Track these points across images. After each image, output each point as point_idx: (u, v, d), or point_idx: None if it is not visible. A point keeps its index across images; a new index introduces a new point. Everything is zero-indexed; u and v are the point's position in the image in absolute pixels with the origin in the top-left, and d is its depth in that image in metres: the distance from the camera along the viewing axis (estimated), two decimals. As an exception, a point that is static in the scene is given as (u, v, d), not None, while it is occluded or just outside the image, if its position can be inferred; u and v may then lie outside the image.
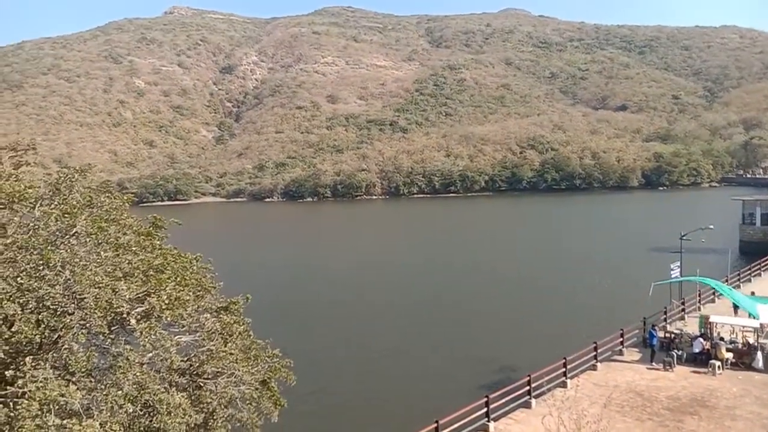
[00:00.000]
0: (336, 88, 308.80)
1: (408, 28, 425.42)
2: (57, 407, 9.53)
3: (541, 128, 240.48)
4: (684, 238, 41.40)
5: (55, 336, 10.85)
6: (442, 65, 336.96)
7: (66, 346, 10.79)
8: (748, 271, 45.00)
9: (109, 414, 10.08)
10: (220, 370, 12.48)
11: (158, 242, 14.60)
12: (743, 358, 26.19)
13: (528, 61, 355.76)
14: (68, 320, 10.64)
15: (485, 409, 20.47)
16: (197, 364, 12.63)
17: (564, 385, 24.16)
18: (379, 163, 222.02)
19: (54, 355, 10.84)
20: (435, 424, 18.59)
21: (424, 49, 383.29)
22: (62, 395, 9.46)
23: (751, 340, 27.36)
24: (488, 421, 20.46)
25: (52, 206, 12.45)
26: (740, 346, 27.22)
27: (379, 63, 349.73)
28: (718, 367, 25.24)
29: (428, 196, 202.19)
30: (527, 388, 22.42)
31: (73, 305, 10.72)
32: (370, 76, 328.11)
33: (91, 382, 10.79)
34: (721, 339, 27.43)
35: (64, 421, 9.30)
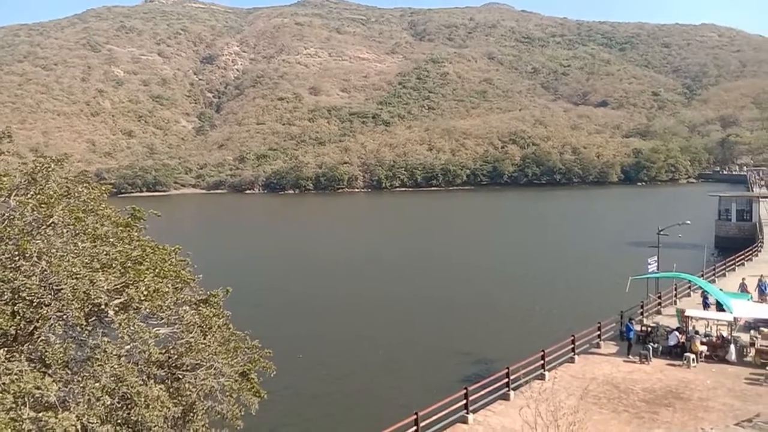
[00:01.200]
0: (318, 80, 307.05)
1: (391, 21, 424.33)
2: (32, 400, 9.42)
3: (523, 123, 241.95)
4: (661, 233, 42.00)
5: (31, 327, 10.71)
6: (425, 59, 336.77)
7: (42, 337, 10.66)
8: (723, 266, 45.81)
9: (86, 406, 9.98)
10: (199, 362, 12.42)
11: (137, 234, 14.45)
12: (717, 350, 26.71)
13: (510, 56, 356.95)
14: (45, 311, 10.51)
15: (464, 401, 20.63)
16: (176, 356, 12.55)
17: (542, 377, 24.44)
18: (361, 156, 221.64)
19: (30, 347, 10.70)
20: (414, 416, 18.69)
21: (407, 42, 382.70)
22: (38, 388, 9.35)
23: (725, 334, 27.89)
24: (467, 413, 20.63)
25: (28, 196, 12.24)
26: (714, 339, 27.74)
27: (362, 55, 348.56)
28: (693, 359, 25.72)
29: (410, 189, 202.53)
30: (506, 380, 22.63)
31: (49, 296, 10.59)
32: (353, 69, 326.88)
33: (67, 374, 10.68)
34: (696, 332, 27.92)
35: (40, 414, 9.20)
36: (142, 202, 18.94)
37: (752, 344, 26.90)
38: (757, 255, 53.06)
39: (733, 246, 58.80)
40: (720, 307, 29.75)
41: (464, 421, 20.45)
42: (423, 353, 35.45)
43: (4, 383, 9.26)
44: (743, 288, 35.38)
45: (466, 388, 20.83)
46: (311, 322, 43.73)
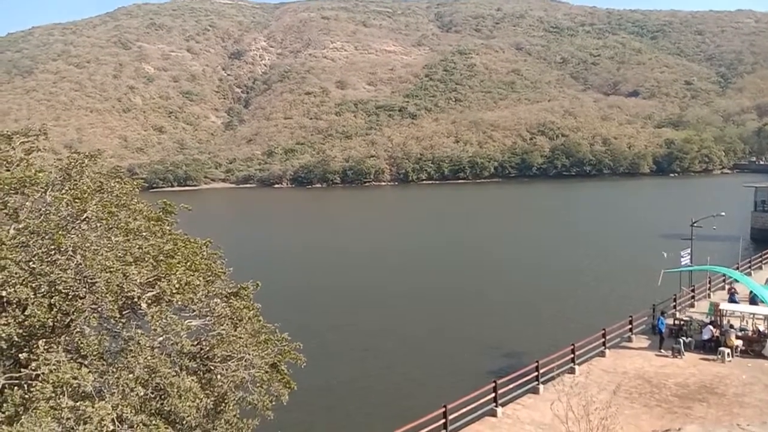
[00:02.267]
0: (345, 74, 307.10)
1: (417, 13, 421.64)
2: (70, 390, 9.66)
3: (552, 114, 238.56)
4: (695, 225, 41.14)
5: (67, 320, 10.97)
6: (452, 50, 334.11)
7: (78, 329, 10.92)
8: (759, 259, 44.69)
9: (120, 397, 10.21)
10: (230, 354, 12.58)
11: (168, 227, 14.67)
12: (753, 345, 26.09)
13: (539, 46, 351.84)
14: (80, 304, 10.74)
15: (493, 394, 20.56)
16: (207, 348, 12.74)
17: (572, 371, 24.20)
18: (388, 149, 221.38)
19: (66, 338, 10.97)
20: (443, 409, 18.70)
21: (433, 34, 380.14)
22: (75, 378, 9.59)
23: (762, 328, 27.24)
24: (496, 406, 20.56)
25: (63, 191, 12.53)
26: (750, 333, 27.12)
27: (389, 48, 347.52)
28: (728, 354, 25.16)
29: (437, 182, 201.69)
30: (535, 373, 22.48)
31: (84, 289, 10.82)
32: (379, 62, 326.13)
33: (102, 365, 10.92)
34: (731, 326, 27.31)
35: (77, 403, 9.43)
36: (173, 197, 19.22)
37: (790, 339, 26.21)
38: (795, 247, 51.57)
39: (770, 238, 57.31)
40: (755, 300, 29.05)
41: (493, 414, 20.39)
42: (452, 346, 35.40)
43: (43, 373, 9.53)
44: None
45: (494, 382, 20.75)
46: (340, 314, 43.99)
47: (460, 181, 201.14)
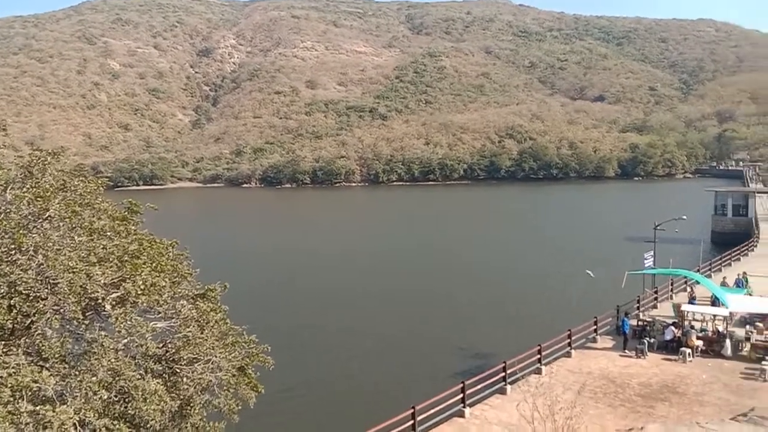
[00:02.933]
0: (315, 74, 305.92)
1: (388, 14, 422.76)
2: (30, 393, 9.40)
3: (520, 117, 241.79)
4: (658, 228, 42.09)
5: (28, 321, 10.67)
6: (423, 52, 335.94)
7: (39, 331, 10.63)
8: (719, 261, 45.98)
9: (83, 400, 9.97)
10: (196, 356, 12.40)
11: (133, 227, 14.39)
12: (713, 345, 26.82)
13: (507, 50, 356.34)
14: (41, 305, 10.47)
15: (461, 395, 20.71)
16: (173, 351, 12.53)
17: (539, 371, 24.53)
18: (358, 150, 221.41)
19: (27, 340, 10.67)
20: (412, 410, 18.75)
21: (404, 35, 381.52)
22: (35, 381, 9.34)
23: (721, 329, 28.02)
24: (464, 407, 20.70)
25: (24, 189, 12.18)
26: (710, 334, 27.87)
27: (359, 49, 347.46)
28: (689, 354, 25.81)
29: (407, 183, 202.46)
30: (503, 374, 22.71)
31: (46, 290, 10.54)
32: (350, 62, 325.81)
33: (64, 368, 10.65)
34: (692, 327, 28.03)
35: (38, 408, 9.18)
36: (139, 196, 18.89)
37: (747, 339, 27.03)
38: (752, 250, 53.31)
39: (729, 241, 59.02)
40: (716, 302, 29.88)
41: (461, 414, 20.52)
42: (420, 347, 35.52)
43: (1, 377, 9.24)
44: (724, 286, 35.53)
45: (463, 383, 20.89)
46: (309, 316, 43.76)
47: (429, 182, 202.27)
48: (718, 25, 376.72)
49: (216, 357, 12.59)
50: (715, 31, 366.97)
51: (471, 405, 21.13)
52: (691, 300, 33.09)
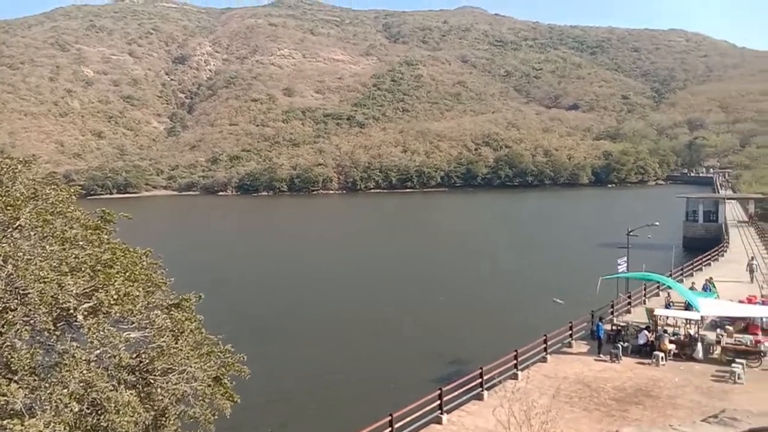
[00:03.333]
0: (292, 81, 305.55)
1: (366, 23, 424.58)
2: (-2, 407, 9.21)
3: (496, 126, 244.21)
4: (631, 234, 42.77)
5: (-4, 333, 10.46)
6: (400, 61, 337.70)
7: (8, 343, 10.42)
8: (691, 266, 46.83)
9: (53, 413, 9.79)
10: (170, 366, 12.25)
11: (107, 236, 14.20)
12: (685, 349, 27.26)
13: (484, 59, 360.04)
14: (10, 316, 10.28)
15: (438, 402, 20.72)
16: (147, 361, 12.37)
17: (515, 377, 24.67)
18: (336, 157, 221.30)
19: (-5, 353, 10.46)
20: (389, 417, 18.72)
21: (381, 44, 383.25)
22: (3, 395, 9.15)
23: (693, 332, 28.50)
24: (441, 413, 20.73)
25: (-6, 198, 11.96)
26: (682, 337, 28.33)
27: (337, 57, 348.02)
28: (662, 358, 26.21)
29: (385, 191, 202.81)
30: (479, 380, 22.78)
31: (16, 301, 10.36)
32: (327, 70, 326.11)
33: (34, 380, 10.45)
34: (665, 331, 28.47)
35: (5, 422, 9.00)
36: (113, 205, 18.66)
37: (718, 342, 27.53)
38: (722, 255, 54.39)
39: (700, 246, 60.16)
40: (690, 306, 30.39)
41: (438, 421, 20.55)
42: (397, 354, 35.52)
43: (-32, 390, 9.04)
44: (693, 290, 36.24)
45: (440, 389, 20.92)
46: (285, 325, 43.51)
47: (407, 190, 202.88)
48: (689, 36, 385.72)
49: (191, 367, 12.46)
50: (685, 41, 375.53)
51: (448, 411, 21.17)
52: (668, 305, 33.62)
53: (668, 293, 35.98)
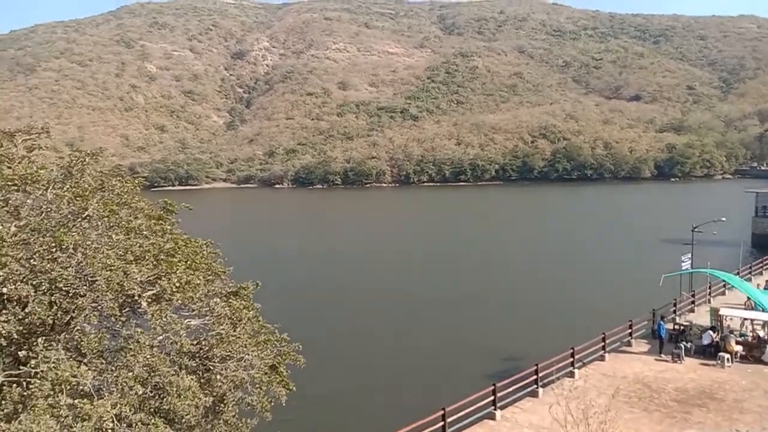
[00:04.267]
0: (347, 75, 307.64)
1: (420, 15, 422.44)
2: (69, 387, 9.64)
3: (553, 117, 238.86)
4: (696, 230, 41.09)
5: (68, 317, 10.96)
6: (454, 53, 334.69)
7: (78, 327, 10.91)
8: (760, 265, 44.65)
9: (119, 395, 10.19)
10: (229, 353, 12.55)
11: (169, 227, 14.65)
12: (753, 351, 26.04)
13: (541, 50, 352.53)
14: (80, 302, 10.73)
15: (492, 398, 20.52)
16: (207, 348, 12.71)
17: (572, 375, 24.17)
18: (389, 150, 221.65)
19: (66, 336, 10.96)
20: (442, 411, 18.66)
21: (436, 36, 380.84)
22: (74, 376, 9.57)
23: (761, 333, 27.19)
24: (495, 410, 20.53)
25: (64, 189, 12.52)
26: (750, 338, 27.07)
27: (391, 50, 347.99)
28: (727, 359, 25.11)
29: (438, 184, 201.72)
30: (534, 377, 22.43)
31: (85, 287, 10.81)
32: (381, 63, 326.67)
33: (102, 363, 10.90)
34: (731, 332, 27.28)
35: (76, 401, 9.42)
36: (175, 196, 19.23)
37: (790, 345, 26.16)
38: (796, 253, 51.54)
39: (770, 244, 57.26)
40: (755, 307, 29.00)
41: (492, 417, 20.36)
42: (452, 349, 35.36)
43: (42, 371, 9.51)
44: None
45: (494, 385, 20.71)
46: (340, 316, 43.97)
47: (461, 183, 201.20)
48: (761, 22, 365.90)
49: (248, 355, 12.74)
50: (757, 27, 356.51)
51: (502, 407, 20.94)
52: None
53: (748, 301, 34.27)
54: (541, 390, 22.35)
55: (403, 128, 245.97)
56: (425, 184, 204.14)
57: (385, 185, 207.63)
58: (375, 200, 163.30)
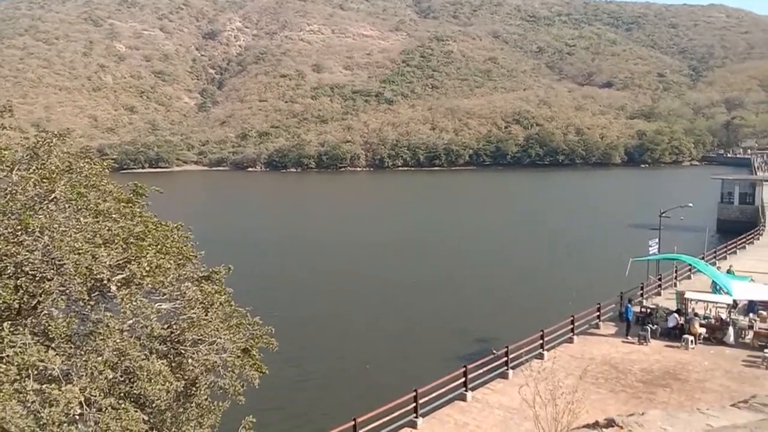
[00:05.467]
0: (321, 57, 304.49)
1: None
2: (36, 372, 9.51)
3: (527, 103, 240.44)
4: (663, 215, 41.99)
5: (34, 302, 10.77)
6: (429, 36, 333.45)
7: (45, 311, 10.73)
8: (725, 249, 45.86)
9: (88, 380, 10.08)
10: (201, 337, 12.47)
11: (139, 210, 14.41)
12: (715, 333, 26.86)
13: (515, 35, 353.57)
14: (47, 286, 10.55)
15: (463, 379, 20.85)
16: (178, 332, 12.61)
17: (541, 356, 24.65)
18: (364, 134, 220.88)
19: (33, 320, 10.77)
20: (414, 393, 18.90)
21: (411, 19, 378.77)
22: (41, 360, 9.44)
23: (724, 316, 28.02)
24: (466, 391, 20.86)
25: (30, 171, 12.22)
26: (713, 321, 27.88)
27: (366, 32, 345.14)
28: (691, 341, 25.87)
29: (413, 169, 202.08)
30: (505, 359, 22.84)
31: (52, 271, 10.62)
32: (356, 46, 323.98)
33: (70, 348, 10.76)
34: (695, 314, 28.05)
35: (43, 386, 9.30)
36: (145, 179, 18.96)
37: (750, 327, 27.05)
38: (758, 239, 53.12)
39: (734, 229, 58.82)
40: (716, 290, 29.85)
41: (463, 398, 20.69)
42: (423, 332, 35.70)
43: (8, 356, 9.36)
44: None
45: (465, 367, 21.03)
46: (312, 299, 44.01)
47: (435, 168, 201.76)
48: (729, 11, 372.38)
49: (221, 338, 12.67)
50: (726, 17, 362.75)
51: (473, 389, 21.29)
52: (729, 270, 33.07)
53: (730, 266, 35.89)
54: (511, 371, 22.76)
55: (378, 112, 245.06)
56: (400, 168, 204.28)
57: (359, 169, 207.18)
58: (349, 184, 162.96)
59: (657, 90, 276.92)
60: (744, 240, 49.98)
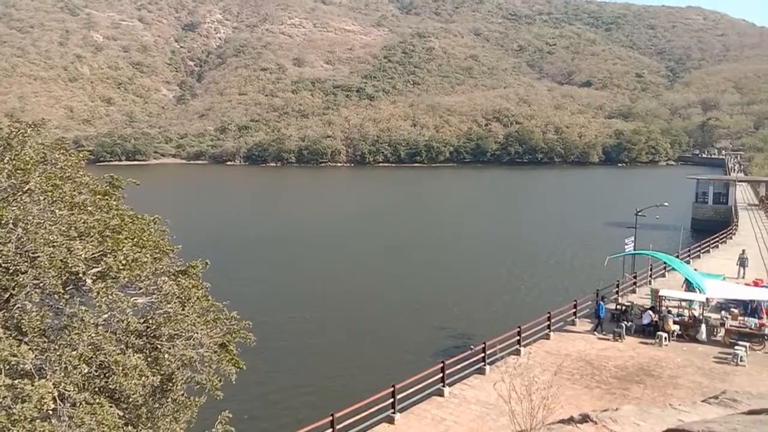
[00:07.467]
0: (302, 51, 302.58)
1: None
2: (8, 367, 9.36)
3: (507, 101, 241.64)
4: (639, 214, 42.60)
5: (7, 295, 10.59)
6: (411, 33, 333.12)
7: (18, 305, 10.55)
8: (698, 248, 46.68)
9: (62, 374, 9.94)
10: (177, 332, 12.37)
11: (115, 203, 14.23)
12: (688, 330, 27.37)
13: (497, 33, 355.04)
14: (21, 279, 10.37)
15: (441, 375, 20.98)
16: (154, 327, 12.49)
17: (517, 353, 24.89)
18: (344, 130, 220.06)
19: (5, 314, 10.60)
20: (392, 388, 18.97)
21: (393, 15, 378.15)
22: (13, 355, 9.29)
23: (697, 314, 28.56)
24: (444, 386, 21.00)
25: (4, 162, 12.00)
26: (686, 319, 28.41)
27: (348, 27, 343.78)
28: (665, 338, 26.33)
29: (393, 165, 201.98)
30: (482, 355, 23.02)
31: (26, 264, 10.45)
32: (337, 41, 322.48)
33: (44, 342, 10.59)
34: (669, 312, 28.54)
35: (16, 381, 9.15)
36: (121, 171, 18.72)
37: (722, 324, 27.60)
38: (731, 238, 54.13)
39: (708, 228, 59.91)
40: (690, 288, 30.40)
41: (440, 394, 20.82)
42: (401, 328, 35.82)
43: (-21, 350, 9.19)
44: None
45: (442, 362, 21.17)
46: (291, 296, 43.87)
47: (416, 164, 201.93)
48: (706, 14, 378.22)
49: (197, 333, 12.57)
50: (702, 19, 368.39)
51: (450, 384, 21.44)
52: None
53: (743, 251, 38.83)
54: (488, 367, 22.95)
55: (359, 108, 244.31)
56: (381, 164, 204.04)
57: (340, 165, 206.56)
58: (329, 179, 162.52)
59: (635, 90, 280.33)
60: (718, 239, 50.94)
